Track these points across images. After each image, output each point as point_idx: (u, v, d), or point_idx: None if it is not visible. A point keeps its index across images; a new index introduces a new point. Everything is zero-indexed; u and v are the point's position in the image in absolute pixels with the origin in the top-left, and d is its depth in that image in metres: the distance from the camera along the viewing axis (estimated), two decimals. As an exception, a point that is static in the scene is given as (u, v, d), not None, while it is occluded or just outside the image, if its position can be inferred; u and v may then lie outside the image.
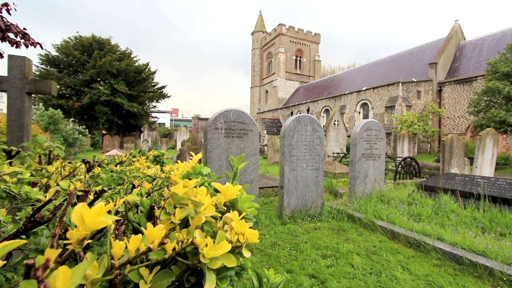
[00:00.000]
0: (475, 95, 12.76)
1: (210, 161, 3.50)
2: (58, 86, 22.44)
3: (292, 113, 37.39)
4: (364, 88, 26.37)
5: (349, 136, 25.76)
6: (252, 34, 51.18)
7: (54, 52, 21.83)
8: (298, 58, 47.46)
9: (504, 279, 2.36)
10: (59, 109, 16.44)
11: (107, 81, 22.90)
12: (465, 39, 26.27)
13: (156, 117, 37.17)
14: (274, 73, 46.63)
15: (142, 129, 21.24)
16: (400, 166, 6.90)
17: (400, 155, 11.53)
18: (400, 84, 22.38)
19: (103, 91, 21.99)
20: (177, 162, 0.94)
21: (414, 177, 7.26)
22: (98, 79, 22.42)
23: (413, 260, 2.83)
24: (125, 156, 2.64)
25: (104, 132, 28.09)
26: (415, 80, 23.12)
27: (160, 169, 1.82)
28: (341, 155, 9.41)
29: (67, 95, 22.60)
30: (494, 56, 12.41)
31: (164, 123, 66.89)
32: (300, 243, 3.17)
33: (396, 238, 3.35)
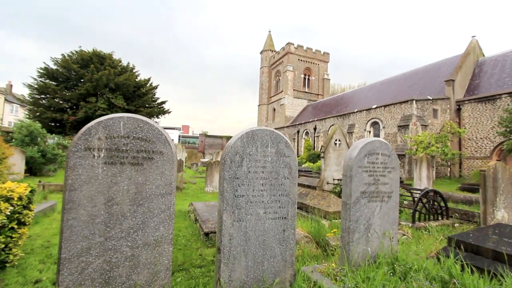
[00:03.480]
0: (506, 113, 10.79)
1: (72, 208, 1.91)
2: (55, 100, 21.98)
3: (298, 132, 35.78)
4: (375, 106, 24.62)
5: None
6: (261, 53, 51.26)
7: (53, 66, 21.55)
8: (307, 77, 46.69)
9: None
10: (38, 122, 15.54)
11: (104, 95, 22.26)
12: (483, 55, 24.44)
13: (158, 133, 36.45)
14: (282, 91, 45.84)
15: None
16: (420, 202, 5.07)
17: (417, 183, 9.56)
18: (414, 101, 20.55)
19: (99, 105, 21.27)
20: None
21: (439, 217, 5.37)
22: (95, 93, 21.80)
23: None
24: None
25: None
26: (431, 98, 21.23)
27: None
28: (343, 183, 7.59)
29: (64, 109, 22.01)
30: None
31: (172, 140, 66.81)
32: None
33: None
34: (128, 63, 25.29)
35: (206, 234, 3.94)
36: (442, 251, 3.37)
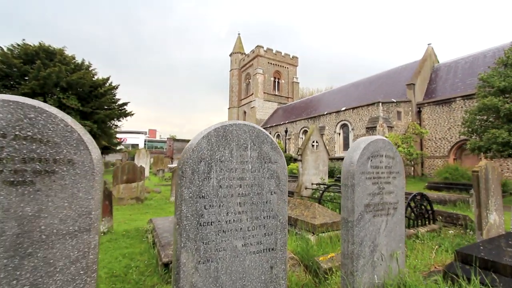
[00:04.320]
0: (467, 114, 11.31)
1: None
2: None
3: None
4: (344, 109, 25.20)
5: (331, 160, 24.05)
6: (230, 55, 50.53)
7: (-12, 60, 18.52)
8: (277, 80, 46.94)
9: None
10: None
11: (54, 95, 19.71)
12: (438, 62, 26.40)
13: (120, 138, 33.58)
14: (252, 94, 45.47)
15: (91, 151, 17.91)
16: (408, 207, 4.66)
17: (392, 183, 9.48)
18: (381, 104, 21.32)
19: (48, 106, 18.70)
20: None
21: (426, 222, 5.04)
22: (42, 93, 19.18)
23: None
24: None
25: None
26: (395, 101, 22.23)
27: None
28: (322, 187, 7.07)
29: (2, 111, 18.96)
30: (484, 71, 11.22)
31: (137, 144, 62.99)
32: None
33: None
34: (83, 60, 22.83)
35: (166, 265, 3.03)
36: (449, 268, 2.87)
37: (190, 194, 1.57)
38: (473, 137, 11.41)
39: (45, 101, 19.13)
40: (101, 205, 1.40)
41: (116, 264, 3.49)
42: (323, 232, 3.92)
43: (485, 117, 10.39)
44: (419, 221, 4.87)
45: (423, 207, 4.95)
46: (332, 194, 6.68)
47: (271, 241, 1.85)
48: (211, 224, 1.63)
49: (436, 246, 4.02)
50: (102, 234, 4.88)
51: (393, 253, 2.52)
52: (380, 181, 2.46)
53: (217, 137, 1.67)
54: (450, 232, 4.71)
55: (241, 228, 1.73)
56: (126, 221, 6.24)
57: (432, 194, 8.80)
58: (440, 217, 5.43)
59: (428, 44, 26.15)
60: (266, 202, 1.84)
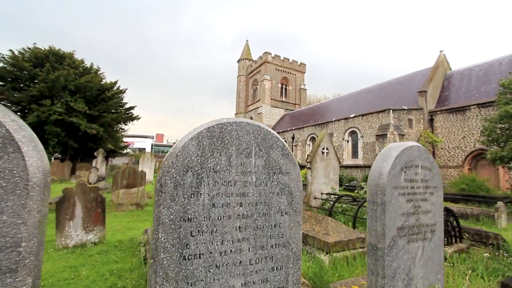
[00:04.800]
0: (487, 122, 10.65)
1: None
2: (0, 102, 19.08)
3: (276, 141, 35.00)
4: (352, 115, 24.59)
5: (349, 167, 23.29)
6: (238, 61, 50.66)
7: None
8: (284, 86, 46.69)
9: None
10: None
11: (62, 98, 19.79)
12: (451, 69, 25.65)
13: (126, 142, 33.66)
14: (259, 100, 45.27)
15: (95, 153, 17.81)
16: (432, 224, 4.10)
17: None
18: (391, 111, 20.67)
19: (56, 109, 18.78)
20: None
21: (453, 241, 4.47)
22: (50, 95, 19.27)
23: None
24: None
25: (60, 156, 24.29)
26: (406, 108, 21.56)
27: None
28: (333, 197, 6.54)
29: (11, 113, 19.12)
30: (506, 77, 10.58)
31: (144, 148, 63.46)
32: None
33: None
34: (92, 64, 23.01)
35: None
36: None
37: (171, 216, 1.14)
38: (493, 147, 10.72)
39: (53, 104, 19.23)
40: (42, 232, 0.99)
41: (100, 284, 3.07)
42: (338, 252, 3.42)
43: (507, 125, 9.73)
44: (445, 239, 4.31)
45: (449, 223, 4.40)
46: (344, 205, 6.16)
47: (281, 277, 1.40)
48: (200, 257, 1.20)
49: (470, 271, 3.47)
50: (93, 245, 4.49)
51: (431, 287, 2.03)
52: (415, 197, 1.99)
53: (211, 138, 1.25)
54: (484, 254, 4.13)
55: (240, 262, 1.29)
56: (122, 230, 5.85)
57: (453, 207, 8.16)
58: (467, 235, 4.85)
59: (440, 51, 25.50)
60: (275, 226, 1.39)
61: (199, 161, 1.22)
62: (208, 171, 1.24)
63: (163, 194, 1.14)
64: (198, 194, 1.21)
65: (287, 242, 1.44)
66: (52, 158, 21.39)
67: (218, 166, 1.27)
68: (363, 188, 6.35)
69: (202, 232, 1.21)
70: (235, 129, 1.32)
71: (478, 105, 19.37)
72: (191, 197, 1.19)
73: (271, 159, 1.41)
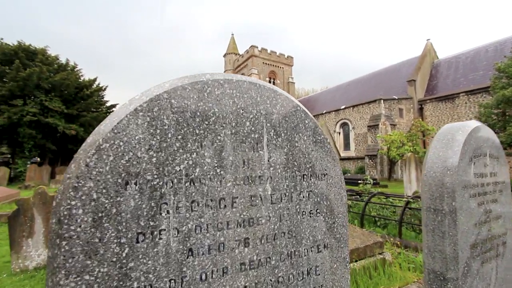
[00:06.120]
0: (482, 108, 10.43)
1: None
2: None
3: (266, 135, 34.50)
4: (343, 107, 24.29)
5: (342, 159, 22.72)
6: (224, 56, 49.49)
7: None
8: (272, 80, 46.03)
9: None
10: None
11: (36, 97, 18.38)
12: (438, 57, 25.74)
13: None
14: (247, 94, 44.50)
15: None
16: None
17: (408, 186, 8.51)
18: (382, 101, 20.47)
19: (28, 109, 17.40)
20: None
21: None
22: (22, 95, 17.84)
23: None
24: None
25: (38, 160, 22.80)
26: (396, 98, 21.43)
27: None
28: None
29: (-21, 115, 17.63)
30: (501, 61, 10.36)
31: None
32: None
33: None
34: (68, 60, 21.53)
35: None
36: None
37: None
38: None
39: (25, 104, 17.82)
40: None
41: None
42: (356, 261, 2.86)
43: (505, 110, 9.51)
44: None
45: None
46: (348, 202, 5.65)
47: None
48: None
49: None
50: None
51: (507, 322, 1.47)
52: (485, 199, 1.41)
53: (181, 112, 0.59)
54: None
55: None
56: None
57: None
58: None
59: (427, 40, 25.49)
60: (309, 273, 0.76)
61: (154, 159, 0.57)
62: (175, 180, 0.59)
63: (65, 243, 0.48)
64: (154, 233, 0.56)
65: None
66: (29, 162, 19.96)
67: (198, 169, 0.62)
68: (368, 183, 5.87)
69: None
70: (230, 95, 0.67)
71: (466, 93, 19.43)
72: (137, 242, 0.54)
73: (297, 150, 0.78)
